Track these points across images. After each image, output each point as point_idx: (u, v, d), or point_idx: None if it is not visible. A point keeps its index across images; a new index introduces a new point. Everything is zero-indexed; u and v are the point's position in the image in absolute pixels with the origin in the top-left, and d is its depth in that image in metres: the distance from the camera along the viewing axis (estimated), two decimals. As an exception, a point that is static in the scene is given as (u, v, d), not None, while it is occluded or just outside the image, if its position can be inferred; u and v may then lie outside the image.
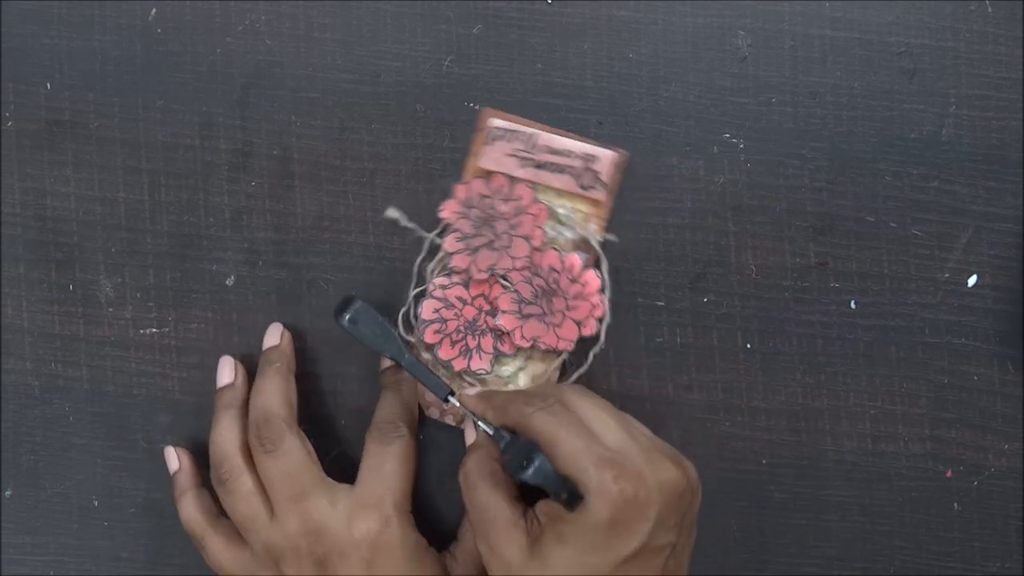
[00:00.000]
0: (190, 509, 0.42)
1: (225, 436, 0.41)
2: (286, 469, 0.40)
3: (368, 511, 0.39)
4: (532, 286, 0.42)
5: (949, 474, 0.44)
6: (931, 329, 0.44)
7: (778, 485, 0.44)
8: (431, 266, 0.43)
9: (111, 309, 0.44)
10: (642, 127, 0.43)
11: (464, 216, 0.42)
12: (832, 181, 0.43)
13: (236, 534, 0.41)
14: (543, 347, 0.42)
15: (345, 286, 0.44)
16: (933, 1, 0.43)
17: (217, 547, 0.41)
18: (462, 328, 0.42)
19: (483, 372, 0.42)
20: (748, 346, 0.44)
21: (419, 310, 0.42)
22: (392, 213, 0.42)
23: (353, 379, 0.44)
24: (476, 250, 0.42)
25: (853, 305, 0.44)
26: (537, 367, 0.43)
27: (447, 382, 0.41)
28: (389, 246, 0.44)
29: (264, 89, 0.44)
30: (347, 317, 0.40)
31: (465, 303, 0.42)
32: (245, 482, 0.40)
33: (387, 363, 0.43)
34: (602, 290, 0.42)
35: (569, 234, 0.43)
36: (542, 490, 0.36)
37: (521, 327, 0.42)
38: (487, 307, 0.42)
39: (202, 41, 0.44)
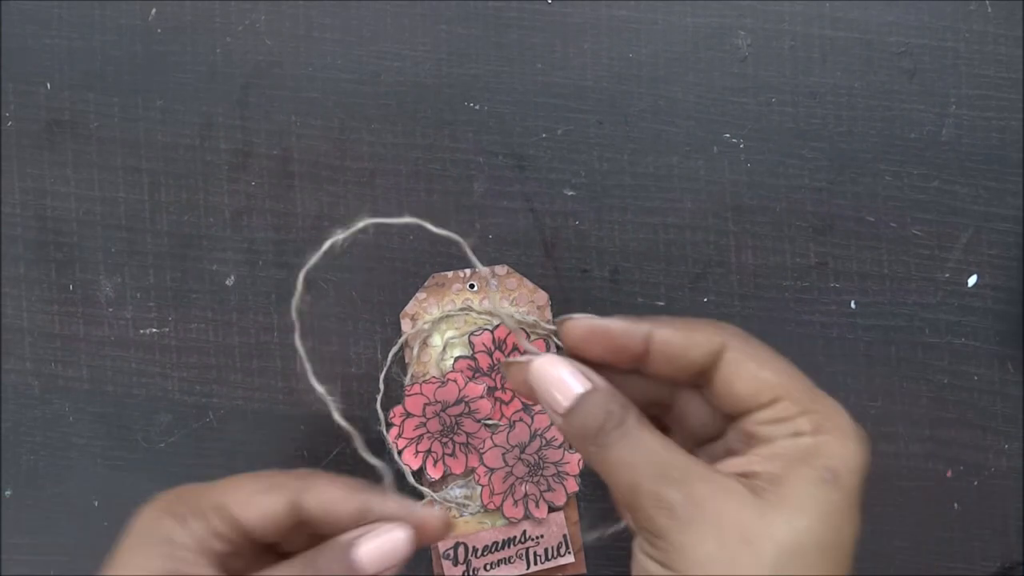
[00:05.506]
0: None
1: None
2: None
3: None
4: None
5: (949, 474, 0.44)
6: (931, 329, 0.44)
7: (778, 485, 0.44)
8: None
9: (111, 309, 0.44)
10: (642, 127, 0.43)
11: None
12: (832, 181, 0.43)
13: None
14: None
15: (345, 286, 0.44)
16: (933, 1, 0.43)
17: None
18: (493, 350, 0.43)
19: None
20: (748, 346, 0.44)
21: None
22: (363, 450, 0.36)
23: (353, 379, 0.44)
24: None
25: (853, 305, 0.44)
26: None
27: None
28: (389, 246, 0.44)
29: (264, 89, 0.44)
30: None
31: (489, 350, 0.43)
32: None
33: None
34: None
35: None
36: None
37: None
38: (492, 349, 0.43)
39: (202, 41, 0.44)
